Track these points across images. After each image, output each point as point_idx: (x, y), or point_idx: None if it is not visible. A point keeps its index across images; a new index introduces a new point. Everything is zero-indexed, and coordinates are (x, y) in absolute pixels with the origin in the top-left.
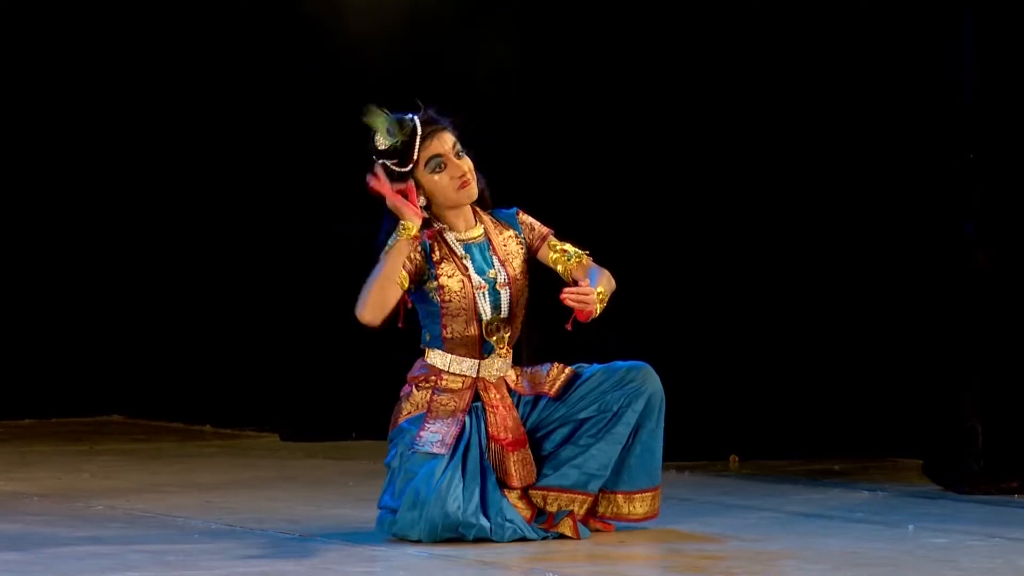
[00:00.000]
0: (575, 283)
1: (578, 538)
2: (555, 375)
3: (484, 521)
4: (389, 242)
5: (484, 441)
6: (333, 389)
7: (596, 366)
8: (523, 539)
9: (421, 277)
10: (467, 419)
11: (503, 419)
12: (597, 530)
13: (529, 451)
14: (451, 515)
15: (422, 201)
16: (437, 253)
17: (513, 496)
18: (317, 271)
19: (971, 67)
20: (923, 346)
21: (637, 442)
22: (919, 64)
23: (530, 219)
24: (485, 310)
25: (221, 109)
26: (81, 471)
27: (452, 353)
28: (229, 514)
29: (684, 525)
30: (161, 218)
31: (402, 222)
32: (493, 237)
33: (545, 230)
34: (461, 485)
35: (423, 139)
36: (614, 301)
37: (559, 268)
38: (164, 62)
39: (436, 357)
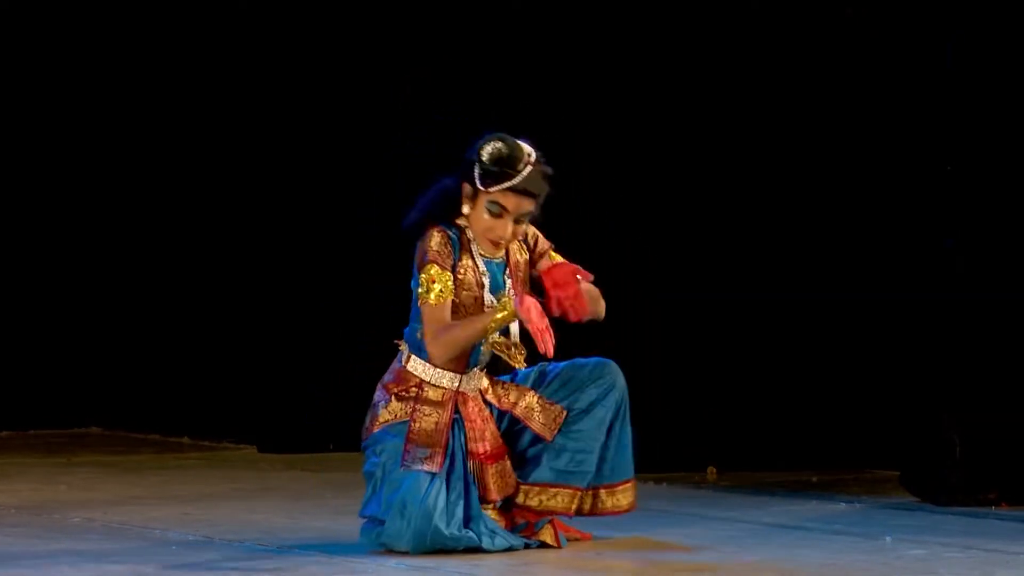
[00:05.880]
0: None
1: (559, 547)
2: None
3: (470, 533)
4: (495, 316)
5: (464, 454)
6: (311, 401)
7: (561, 364)
8: (509, 549)
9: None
10: (449, 433)
11: (481, 432)
12: (576, 539)
13: (508, 462)
14: (438, 530)
15: (466, 210)
16: (461, 254)
17: (488, 508)
18: (293, 284)
19: (953, 80)
20: (901, 357)
21: (611, 437)
22: (901, 76)
23: (534, 231)
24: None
25: (202, 122)
26: (58, 483)
27: (437, 364)
28: (207, 526)
29: (662, 536)
30: (138, 231)
31: (510, 304)
32: (511, 256)
33: (546, 245)
34: (446, 499)
35: (512, 188)
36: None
37: None
38: (160, 61)
39: (418, 366)
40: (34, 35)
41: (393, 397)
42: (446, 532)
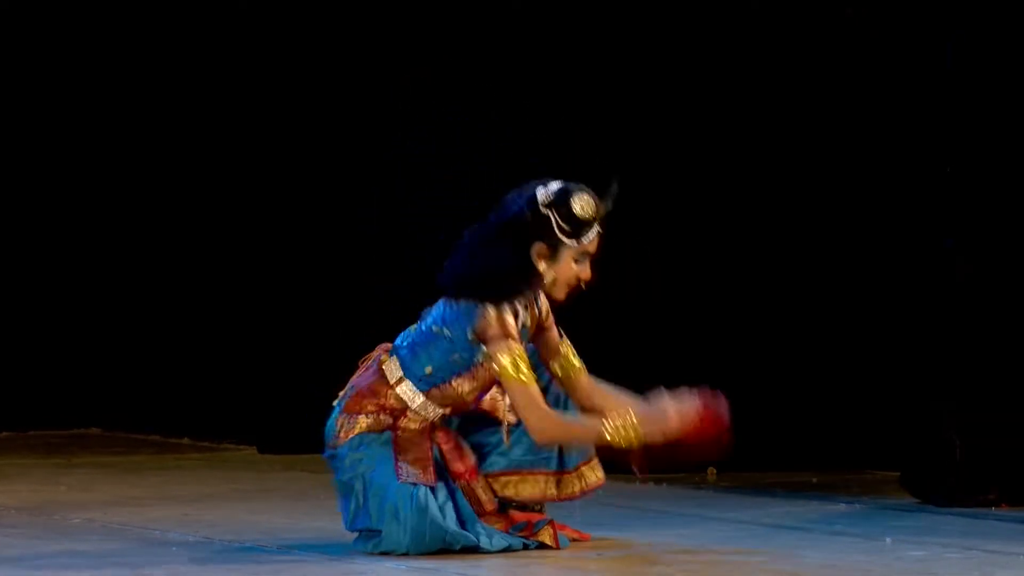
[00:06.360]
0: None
1: (558, 547)
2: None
3: (467, 533)
4: (609, 430)
5: (445, 474)
6: (311, 402)
7: None
8: (508, 548)
9: None
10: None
11: (457, 452)
12: (575, 540)
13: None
14: (435, 523)
15: (544, 267)
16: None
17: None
18: (293, 284)
19: (952, 80)
20: (901, 358)
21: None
22: (901, 76)
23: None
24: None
25: (201, 123)
26: (58, 484)
27: (431, 399)
28: (207, 527)
29: (662, 537)
30: (138, 232)
31: (633, 431)
32: (529, 317)
33: (552, 319)
34: (436, 502)
35: (599, 231)
36: (596, 314)
37: (557, 369)
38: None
39: (408, 392)
40: (34, 35)
41: (376, 413)
42: (443, 525)
